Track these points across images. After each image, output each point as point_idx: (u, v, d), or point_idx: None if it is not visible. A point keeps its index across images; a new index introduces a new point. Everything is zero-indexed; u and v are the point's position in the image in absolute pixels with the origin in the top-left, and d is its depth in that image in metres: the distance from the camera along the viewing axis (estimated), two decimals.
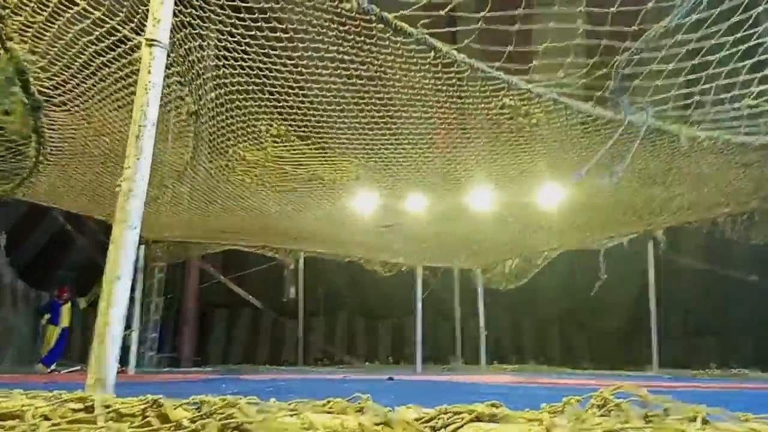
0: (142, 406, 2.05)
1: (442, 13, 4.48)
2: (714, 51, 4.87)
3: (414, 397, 5.06)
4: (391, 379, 9.55)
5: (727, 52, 4.88)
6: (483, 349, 14.50)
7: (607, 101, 5.67)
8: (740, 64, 5.02)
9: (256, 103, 6.54)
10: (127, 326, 11.40)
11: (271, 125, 7.06)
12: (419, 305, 14.38)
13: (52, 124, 6.80)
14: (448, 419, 1.89)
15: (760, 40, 4.78)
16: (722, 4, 4.37)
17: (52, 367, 11.87)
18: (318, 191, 9.24)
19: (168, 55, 3.49)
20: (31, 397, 2.40)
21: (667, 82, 5.23)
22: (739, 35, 4.69)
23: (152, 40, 3.32)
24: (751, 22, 4.59)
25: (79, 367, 12.69)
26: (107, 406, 2.09)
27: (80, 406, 2.15)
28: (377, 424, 1.89)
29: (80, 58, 5.42)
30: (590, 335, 15.25)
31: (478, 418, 1.88)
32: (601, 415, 1.96)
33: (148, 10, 3.49)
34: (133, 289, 12.03)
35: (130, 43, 5.24)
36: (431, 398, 4.79)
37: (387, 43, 4.92)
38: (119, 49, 5.35)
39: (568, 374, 12.88)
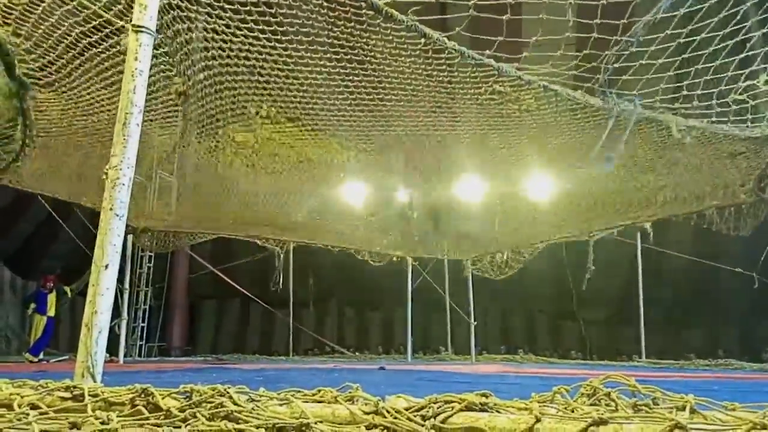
0: (131, 395, 2.04)
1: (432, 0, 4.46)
2: (702, 46, 4.89)
3: (405, 386, 5.08)
4: (382, 368, 9.58)
5: (715, 48, 4.90)
6: (473, 339, 14.58)
7: (596, 92, 5.70)
8: (728, 59, 5.04)
9: (246, 85, 6.50)
10: (117, 315, 11.37)
11: (261, 107, 7.01)
12: (410, 295, 14.41)
13: (39, 106, 6.69)
14: (438, 408, 1.89)
15: (747, 35, 4.80)
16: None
17: (40, 356, 11.80)
18: (308, 174, 9.16)
19: (155, 36, 3.42)
20: (18, 386, 2.38)
21: (656, 76, 5.26)
22: (727, 30, 4.72)
23: (139, 26, 3.27)
24: (739, 17, 4.61)
25: (67, 357, 12.63)
26: (95, 395, 2.07)
27: (68, 395, 2.13)
28: (368, 413, 1.89)
29: (66, 38, 5.33)
30: (579, 326, 15.36)
31: (469, 408, 1.88)
32: (591, 405, 1.97)
33: None
34: (122, 279, 12.05)
35: (117, 24, 5.15)
36: (422, 388, 4.81)
37: (377, 28, 4.90)
38: (106, 30, 5.26)
39: (557, 364, 13.00)
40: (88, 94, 6.50)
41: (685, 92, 5.56)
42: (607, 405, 1.92)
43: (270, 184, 9.53)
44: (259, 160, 8.46)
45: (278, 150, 8.14)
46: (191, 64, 5.99)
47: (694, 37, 4.76)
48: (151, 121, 6.85)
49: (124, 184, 3.10)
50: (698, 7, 4.40)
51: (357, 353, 16.83)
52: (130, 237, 12.47)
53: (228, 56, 5.81)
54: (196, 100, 6.68)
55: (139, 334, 15.29)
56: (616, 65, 5.12)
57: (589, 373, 2.66)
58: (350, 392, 2.11)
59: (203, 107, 6.91)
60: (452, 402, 1.91)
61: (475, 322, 14.58)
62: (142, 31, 3.26)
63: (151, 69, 3.41)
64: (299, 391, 2.16)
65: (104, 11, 4.82)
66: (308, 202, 10.49)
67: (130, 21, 3.36)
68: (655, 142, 6.90)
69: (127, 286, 12.72)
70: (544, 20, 4.54)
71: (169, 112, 6.94)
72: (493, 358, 15.07)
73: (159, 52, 5.51)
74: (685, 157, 7.38)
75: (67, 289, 12.76)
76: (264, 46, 5.53)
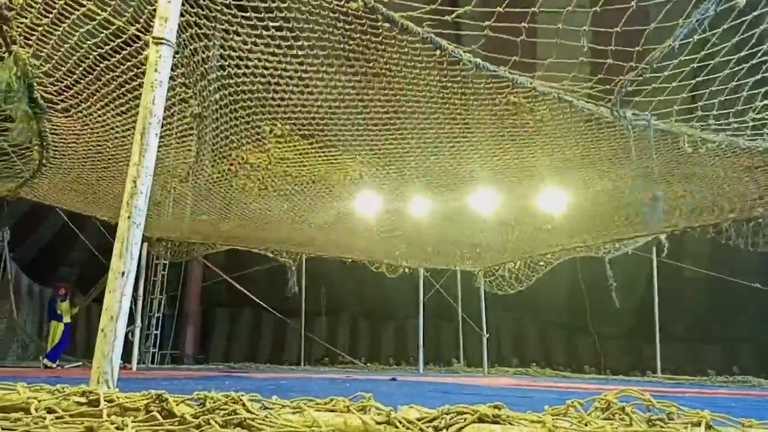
0: (146, 401, 2.06)
1: (448, 18, 4.48)
2: (718, 68, 4.89)
3: (416, 397, 5.06)
4: (393, 379, 9.55)
5: (731, 71, 4.90)
6: (485, 352, 14.49)
7: (610, 111, 5.69)
8: (744, 81, 5.03)
9: (260, 103, 6.53)
10: (130, 322, 11.45)
11: (275, 125, 7.05)
12: (422, 306, 14.37)
13: (55, 129, 6.82)
14: (450, 419, 1.90)
15: (764, 58, 4.79)
16: (725, 22, 4.36)
17: (57, 362, 11.91)
18: (321, 193, 9.23)
19: (173, 56, 3.47)
20: (35, 390, 2.41)
21: (670, 98, 5.26)
22: (743, 54, 4.72)
23: (159, 38, 3.33)
24: (754, 41, 4.59)
25: (81, 363, 12.74)
26: (111, 401, 2.10)
27: (84, 399, 2.16)
28: (380, 423, 1.89)
29: (84, 62, 5.41)
30: (593, 340, 15.20)
31: (481, 419, 1.88)
32: (605, 419, 1.96)
33: (154, 11, 3.50)
34: (136, 286, 12.12)
35: (135, 45, 5.22)
36: (433, 399, 4.79)
37: (393, 41, 4.94)
38: (123, 53, 5.33)
39: (571, 378, 12.87)
40: (104, 120, 6.62)
41: (700, 112, 5.56)
42: (621, 419, 1.91)
43: (283, 204, 9.62)
44: (272, 181, 8.54)
45: (291, 169, 8.19)
46: (207, 84, 6.05)
47: (709, 62, 4.76)
48: (166, 145, 6.95)
49: (142, 193, 3.15)
50: (713, 32, 4.40)
51: (368, 364, 16.79)
52: (145, 245, 12.59)
53: (243, 74, 5.86)
54: (212, 122, 6.76)
55: (153, 341, 15.39)
56: (629, 88, 5.12)
57: (603, 388, 2.64)
58: (362, 402, 2.12)
59: (218, 128, 6.97)
60: (465, 413, 1.91)
61: (488, 335, 14.49)
62: (162, 44, 3.32)
63: (167, 92, 3.46)
64: (311, 400, 2.17)
65: (126, 26, 4.89)
66: (320, 219, 10.56)
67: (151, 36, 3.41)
68: (670, 154, 6.87)
69: (141, 293, 12.81)
70: (558, 44, 4.56)
71: (184, 137, 7.05)
72: (505, 371, 14.95)
73: (176, 73, 5.56)
74: (700, 169, 7.33)
75: (74, 309, 12.80)
76: (279, 62, 5.56)
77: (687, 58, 4.73)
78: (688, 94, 5.25)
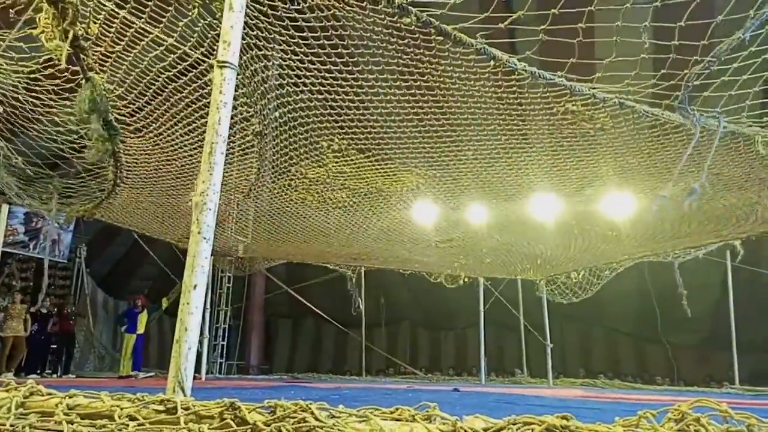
0: (220, 409, 2.15)
1: (501, 26, 4.44)
2: None
3: (480, 408, 5.01)
4: (456, 390, 9.47)
5: None
6: (549, 362, 14.12)
7: (676, 109, 5.46)
8: None
9: (318, 119, 6.70)
10: (200, 334, 11.85)
11: (332, 140, 7.21)
12: (482, 316, 14.19)
13: (128, 150, 7.22)
14: (517, 429, 1.88)
15: None
16: None
17: (131, 372, 12.46)
18: (378, 205, 9.32)
19: (238, 71, 3.63)
20: (117, 399, 2.55)
21: (741, 92, 5.00)
22: None
23: (223, 61, 3.49)
24: None
25: (153, 373, 13.28)
26: (187, 408, 2.20)
27: (162, 408, 2.28)
28: None
29: (153, 85, 5.74)
30: (665, 349, 14.54)
31: (549, 430, 1.86)
32: (679, 430, 1.90)
33: (217, 35, 3.66)
34: (204, 299, 12.59)
35: (200, 67, 5.49)
36: (498, 410, 4.73)
37: (446, 54, 4.94)
38: (189, 75, 5.59)
39: (641, 390, 12.37)
40: (172, 139, 6.96)
41: None
42: (696, 431, 1.85)
43: (341, 216, 9.78)
44: (330, 195, 8.70)
45: (349, 183, 8.33)
46: (267, 102, 6.26)
47: None
48: (230, 164, 7.21)
49: (210, 209, 3.29)
50: None
51: (429, 374, 16.70)
52: (210, 259, 13.04)
53: (301, 91, 6.03)
54: (272, 139, 6.97)
55: (220, 352, 15.88)
56: (696, 82, 4.90)
57: (676, 399, 2.55)
58: (427, 411, 2.13)
59: (278, 145, 7.18)
60: (531, 424, 1.90)
61: (551, 345, 14.12)
62: (225, 66, 3.48)
63: (231, 110, 3.61)
64: (377, 409, 2.20)
65: (192, 50, 5.14)
66: (378, 232, 10.65)
67: (215, 59, 3.58)
68: (742, 158, 6.53)
69: (208, 305, 13.27)
70: (617, 43, 4.42)
71: (246, 154, 7.30)
72: (572, 382, 14.52)
73: (238, 93, 5.79)
74: None
75: (163, 300, 13.44)
76: (335, 78, 5.69)
77: (758, 48, 4.48)
78: (759, 88, 4.97)
